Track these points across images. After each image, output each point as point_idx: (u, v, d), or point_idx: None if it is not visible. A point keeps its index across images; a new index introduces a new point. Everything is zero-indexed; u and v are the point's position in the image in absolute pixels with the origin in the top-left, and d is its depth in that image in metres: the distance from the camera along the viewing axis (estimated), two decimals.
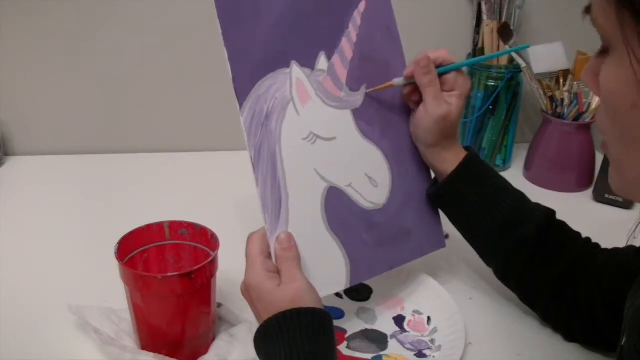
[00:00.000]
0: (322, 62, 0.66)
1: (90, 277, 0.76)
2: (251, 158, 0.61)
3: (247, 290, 0.59)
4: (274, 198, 0.63)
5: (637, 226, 0.55)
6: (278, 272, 0.60)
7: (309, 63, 0.66)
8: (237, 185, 0.80)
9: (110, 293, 0.66)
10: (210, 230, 0.66)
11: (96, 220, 0.92)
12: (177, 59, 1.10)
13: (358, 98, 0.68)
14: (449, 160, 0.70)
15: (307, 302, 0.56)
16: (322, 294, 0.61)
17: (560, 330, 0.69)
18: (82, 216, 0.93)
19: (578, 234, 0.69)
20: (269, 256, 0.61)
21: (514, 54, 1.00)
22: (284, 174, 0.63)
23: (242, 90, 0.61)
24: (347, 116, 0.68)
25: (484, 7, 1.05)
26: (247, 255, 0.61)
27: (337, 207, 0.66)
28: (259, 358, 0.56)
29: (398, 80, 0.69)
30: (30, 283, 0.76)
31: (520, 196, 0.71)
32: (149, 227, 0.67)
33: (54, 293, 0.73)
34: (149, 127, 1.15)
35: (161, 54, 1.09)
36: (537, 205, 0.70)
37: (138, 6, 1.05)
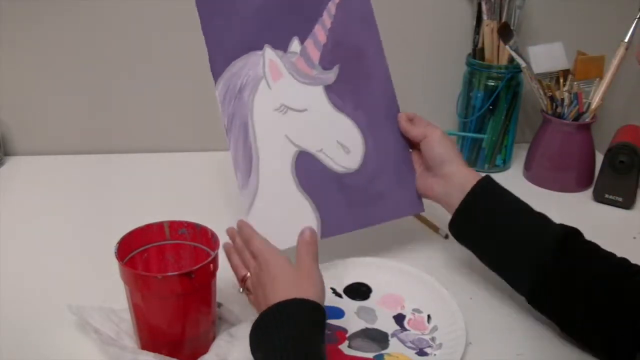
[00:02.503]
0: (294, 45, 0.76)
1: (90, 277, 0.76)
2: (224, 125, 0.73)
3: (262, 264, 0.63)
4: (245, 159, 0.73)
5: None
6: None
7: (282, 46, 0.75)
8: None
9: (110, 293, 0.66)
10: (210, 230, 0.66)
11: (96, 221, 0.92)
12: (177, 60, 1.10)
13: (330, 76, 0.77)
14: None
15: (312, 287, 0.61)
16: (291, 244, 0.68)
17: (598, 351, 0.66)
18: (82, 216, 0.93)
19: (610, 254, 0.67)
20: None
21: (513, 53, 1.00)
22: (255, 139, 0.73)
23: (217, 68, 0.73)
24: (319, 91, 0.77)
25: (484, 7, 1.05)
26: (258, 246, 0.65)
27: (308, 169, 0.75)
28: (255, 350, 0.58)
29: None
30: (30, 283, 0.76)
31: (539, 215, 0.71)
32: (149, 227, 0.67)
33: (54, 293, 0.73)
34: (149, 127, 1.15)
35: (162, 55, 1.09)
36: (560, 224, 0.70)
37: (139, 7, 1.05)
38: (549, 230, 0.68)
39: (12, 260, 0.81)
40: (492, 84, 1.06)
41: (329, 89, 0.77)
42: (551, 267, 0.66)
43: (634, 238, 0.90)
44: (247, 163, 0.73)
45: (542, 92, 1.02)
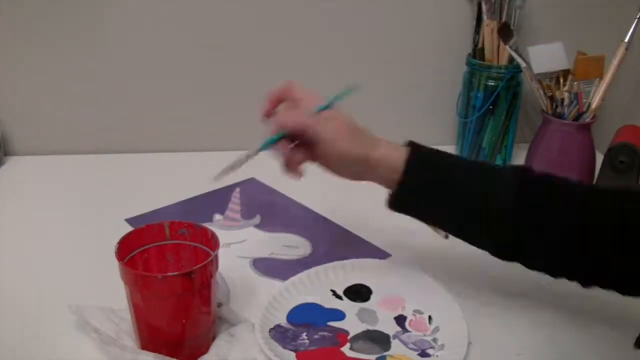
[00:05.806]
0: (217, 217, 0.92)
1: (90, 277, 0.76)
2: None
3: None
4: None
5: None
6: None
7: (206, 220, 0.91)
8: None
9: (110, 293, 0.66)
10: (210, 230, 0.66)
11: (96, 220, 0.91)
12: (177, 59, 1.10)
13: (255, 220, 0.91)
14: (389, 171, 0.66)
15: None
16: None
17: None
18: (82, 216, 0.93)
19: (573, 184, 0.64)
20: None
21: (513, 53, 1.00)
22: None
23: None
24: (250, 228, 0.90)
25: (484, 7, 1.05)
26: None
27: (266, 265, 0.81)
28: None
29: (251, 152, 0.67)
30: (30, 283, 0.76)
31: (481, 171, 0.65)
32: (149, 227, 0.67)
33: (54, 293, 0.73)
34: (149, 127, 1.15)
35: (161, 54, 1.09)
36: (506, 170, 0.66)
37: (138, 6, 1.05)
38: (500, 177, 0.64)
39: (12, 260, 0.81)
40: (492, 84, 1.06)
41: (258, 226, 0.90)
42: (510, 214, 0.62)
43: None
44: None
45: (542, 92, 1.02)
